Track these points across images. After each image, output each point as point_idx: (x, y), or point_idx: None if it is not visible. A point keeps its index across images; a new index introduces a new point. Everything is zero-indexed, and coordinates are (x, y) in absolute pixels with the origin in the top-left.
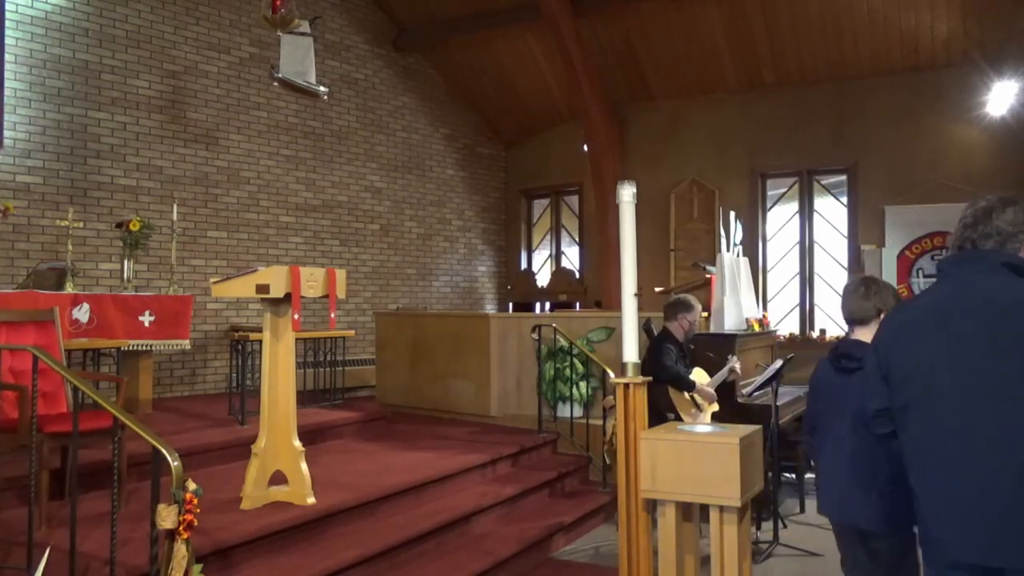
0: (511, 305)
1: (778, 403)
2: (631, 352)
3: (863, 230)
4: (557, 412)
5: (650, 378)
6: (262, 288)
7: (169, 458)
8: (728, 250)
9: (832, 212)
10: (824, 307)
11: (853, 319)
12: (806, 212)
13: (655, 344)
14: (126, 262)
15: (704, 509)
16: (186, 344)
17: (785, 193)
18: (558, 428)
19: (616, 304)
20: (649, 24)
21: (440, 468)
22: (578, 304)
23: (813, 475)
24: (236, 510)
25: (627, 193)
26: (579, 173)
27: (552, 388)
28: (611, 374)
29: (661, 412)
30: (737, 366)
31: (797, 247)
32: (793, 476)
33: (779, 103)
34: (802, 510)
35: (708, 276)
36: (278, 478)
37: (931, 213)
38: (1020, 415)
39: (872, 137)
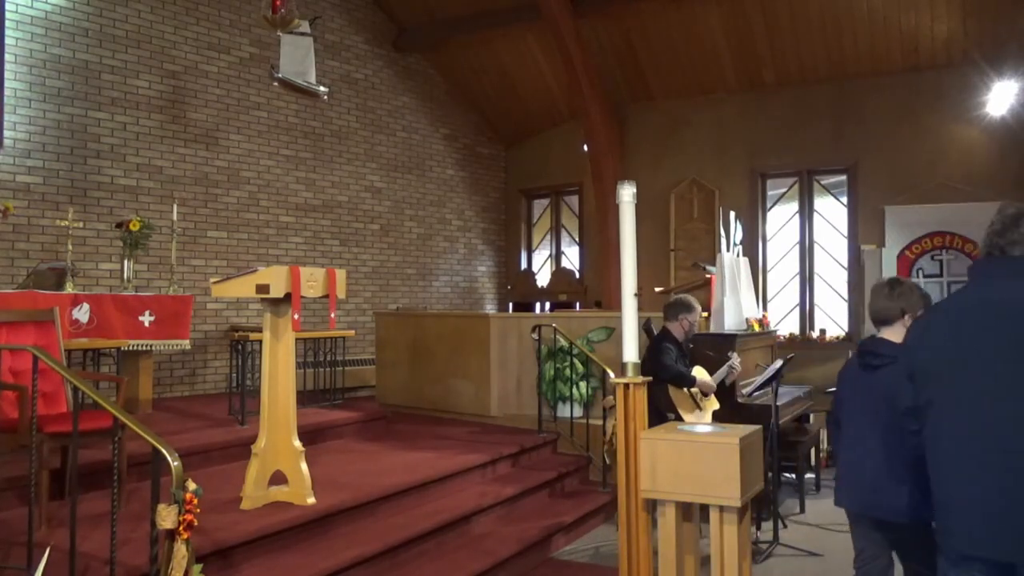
0: (511, 305)
1: (778, 403)
2: (631, 352)
3: (863, 230)
4: (557, 412)
5: (650, 378)
6: (262, 288)
7: (169, 458)
8: (728, 250)
9: (832, 212)
10: (824, 307)
11: (878, 319)
12: (806, 212)
13: (655, 343)
14: (126, 262)
15: (704, 509)
16: (186, 344)
17: (785, 193)
18: (558, 428)
19: (616, 304)
20: (649, 24)
21: (440, 468)
22: (578, 304)
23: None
24: (236, 510)
25: (627, 193)
26: (579, 173)
27: (552, 388)
28: (611, 374)
29: (661, 412)
30: (737, 362)
31: (797, 247)
32: (793, 476)
33: (779, 103)
34: (802, 510)
35: (708, 276)
36: (278, 478)
37: (931, 213)
38: None
39: (872, 137)
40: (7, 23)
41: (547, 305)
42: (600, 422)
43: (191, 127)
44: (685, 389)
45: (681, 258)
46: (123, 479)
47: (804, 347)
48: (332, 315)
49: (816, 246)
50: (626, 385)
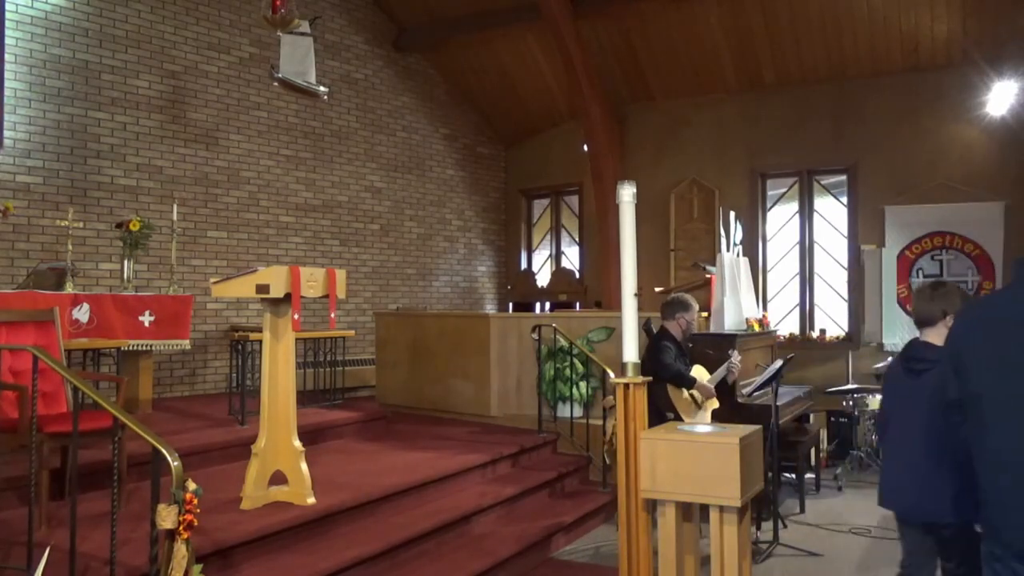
0: (511, 305)
1: (778, 403)
2: (631, 352)
3: (863, 230)
4: (557, 412)
5: (650, 378)
6: (262, 288)
7: (169, 458)
8: (728, 250)
9: (832, 212)
10: (824, 307)
11: (920, 320)
12: (806, 212)
13: (654, 343)
14: (126, 262)
15: (704, 509)
16: (186, 344)
17: (785, 193)
18: (558, 428)
19: (616, 304)
20: (649, 24)
21: (440, 468)
22: (578, 304)
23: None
24: (236, 510)
25: (627, 193)
26: (579, 173)
27: (552, 388)
28: (611, 374)
29: (660, 411)
30: (736, 360)
31: (797, 247)
32: (793, 476)
33: (779, 103)
34: (802, 510)
35: (708, 276)
36: (278, 478)
37: (931, 213)
38: None
39: (872, 137)
40: (7, 23)
41: (547, 305)
42: (600, 422)
43: (191, 127)
44: (684, 390)
45: (681, 258)
46: (123, 479)
47: (804, 347)
48: (332, 315)
49: (816, 246)
50: (626, 385)
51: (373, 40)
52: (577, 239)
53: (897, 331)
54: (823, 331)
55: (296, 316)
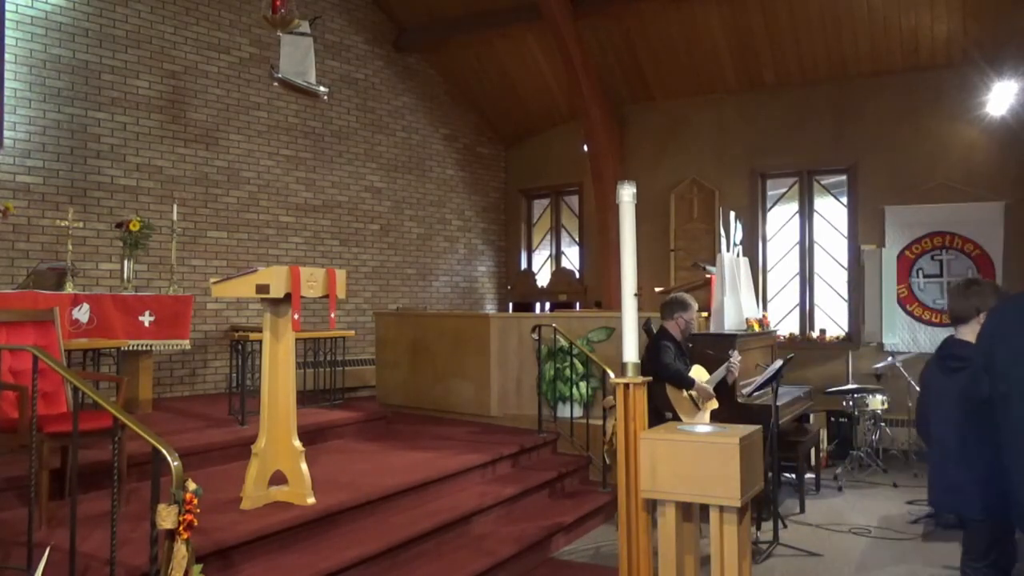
0: (511, 305)
1: (778, 403)
2: (631, 352)
3: (863, 230)
4: (557, 412)
5: (650, 378)
6: (262, 288)
7: (169, 458)
8: (728, 250)
9: (832, 212)
10: (824, 307)
11: (955, 318)
12: (806, 212)
13: (653, 343)
14: (126, 262)
15: (704, 509)
16: (186, 344)
17: (785, 193)
18: (558, 428)
19: (616, 304)
20: (649, 24)
21: (440, 468)
22: (578, 304)
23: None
24: (236, 510)
25: (627, 193)
26: (579, 173)
27: (552, 388)
28: (611, 374)
29: (659, 411)
30: (736, 360)
31: (797, 247)
32: (793, 476)
33: (779, 103)
34: (802, 510)
35: (708, 276)
36: (278, 478)
37: (931, 213)
38: None
39: (872, 137)
40: (7, 23)
41: (547, 305)
42: (600, 422)
43: (191, 127)
44: (683, 390)
45: (681, 258)
46: (123, 479)
47: (804, 347)
48: (332, 315)
49: (816, 246)
50: (626, 385)
51: (373, 40)
52: (577, 239)
53: (897, 331)
54: (823, 331)
55: (296, 316)
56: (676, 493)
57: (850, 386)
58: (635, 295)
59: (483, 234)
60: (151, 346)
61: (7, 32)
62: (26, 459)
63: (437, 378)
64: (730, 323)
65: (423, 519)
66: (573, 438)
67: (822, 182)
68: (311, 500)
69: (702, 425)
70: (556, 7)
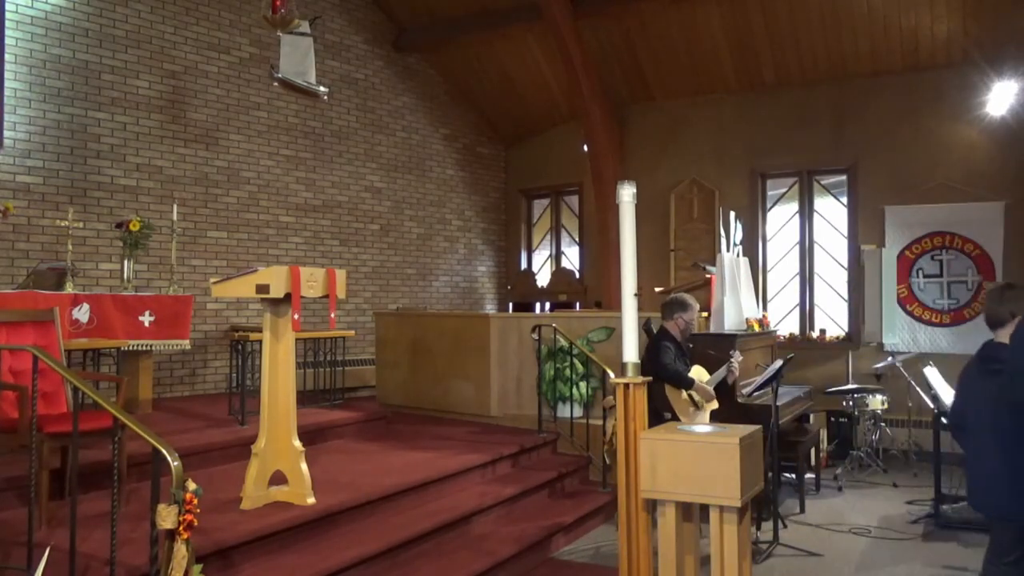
0: (511, 305)
1: (778, 403)
2: (631, 352)
3: (863, 230)
4: (557, 412)
5: (650, 378)
6: (262, 288)
7: (169, 458)
8: (728, 250)
9: (832, 212)
10: (824, 307)
11: (990, 322)
12: (806, 212)
13: (653, 343)
14: (126, 262)
15: (704, 509)
16: (186, 344)
17: (785, 193)
18: (558, 428)
19: (616, 304)
20: (649, 24)
21: (440, 468)
22: (578, 304)
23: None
24: (236, 510)
25: (627, 193)
26: (579, 173)
27: (552, 388)
28: (611, 374)
29: (658, 411)
30: (737, 361)
31: (797, 247)
32: (793, 476)
33: (779, 103)
34: (802, 510)
35: (708, 276)
36: (278, 478)
37: (931, 213)
38: None
39: (872, 137)
40: (7, 23)
41: (547, 305)
42: (600, 422)
43: (191, 127)
44: (683, 391)
45: (681, 258)
46: (123, 479)
47: (804, 347)
48: (332, 315)
49: (816, 246)
50: (626, 385)
51: (373, 40)
52: (577, 239)
53: (897, 331)
54: (823, 331)
55: (296, 316)
56: (676, 493)
57: (850, 386)
58: (635, 295)
59: (483, 234)
60: (151, 346)
61: (7, 32)
62: (26, 459)
63: (437, 378)
64: (730, 323)
65: (423, 519)
66: (573, 438)
67: (822, 182)
68: (311, 500)
69: (702, 425)
70: (556, 7)
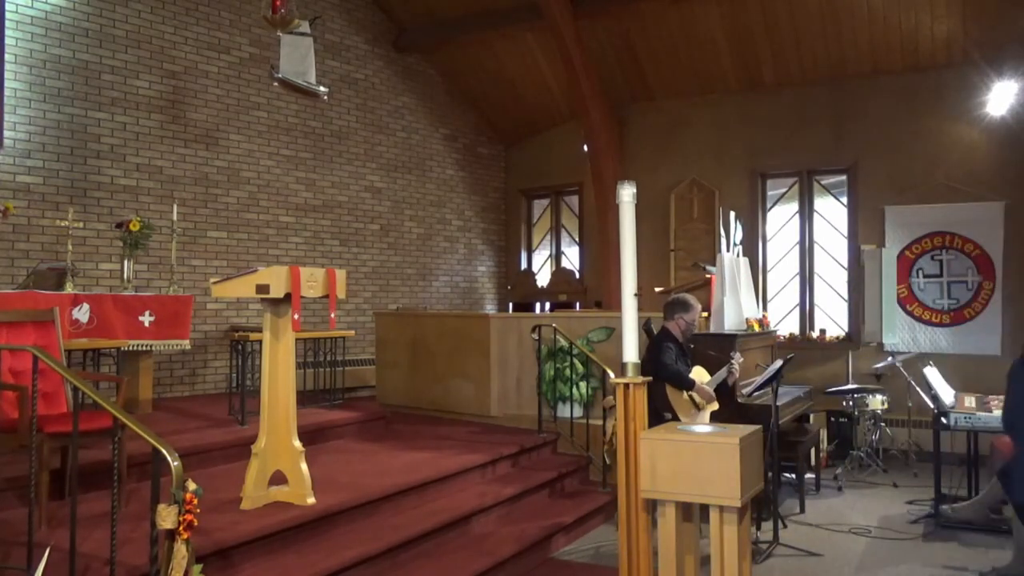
0: (511, 305)
1: (778, 403)
2: (631, 352)
3: (863, 230)
4: (557, 412)
5: (650, 378)
6: (262, 288)
7: (169, 458)
8: (728, 250)
9: (832, 212)
10: (824, 307)
11: None
12: (806, 212)
13: (654, 343)
14: (126, 262)
15: (704, 509)
16: (186, 344)
17: (785, 193)
18: (558, 428)
19: (616, 304)
20: (649, 24)
21: (440, 468)
22: (578, 304)
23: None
24: (236, 510)
25: (627, 193)
26: (579, 173)
27: (552, 388)
28: (611, 374)
29: (658, 411)
30: (738, 361)
31: (797, 247)
32: (793, 476)
33: (779, 103)
34: (802, 510)
35: (708, 276)
36: (278, 478)
37: (931, 213)
38: None
39: (872, 137)
40: (7, 23)
41: (547, 305)
42: (600, 422)
43: (191, 127)
44: (683, 392)
45: (681, 258)
46: (123, 479)
47: (804, 347)
48: (332, 315)
49: (816, 246)
50: (626, 385)
51: (373, 40)
52: (577, 239)
53: (897, 331)
54: (823, 331)
55: (296, 316)
56: (676, 493)
57: (850, 386)
58: (635, 295)
59: (483, 234)
60: (151, 346)
61: (7, 32)
62: (26, 459)
63: (437, 378)
64: (730, 323)
65: (423, 519)
66: (573, 438)
67: (822, 182)
68: (311, 500)
69: (702, 425)
70: (556, 7)
